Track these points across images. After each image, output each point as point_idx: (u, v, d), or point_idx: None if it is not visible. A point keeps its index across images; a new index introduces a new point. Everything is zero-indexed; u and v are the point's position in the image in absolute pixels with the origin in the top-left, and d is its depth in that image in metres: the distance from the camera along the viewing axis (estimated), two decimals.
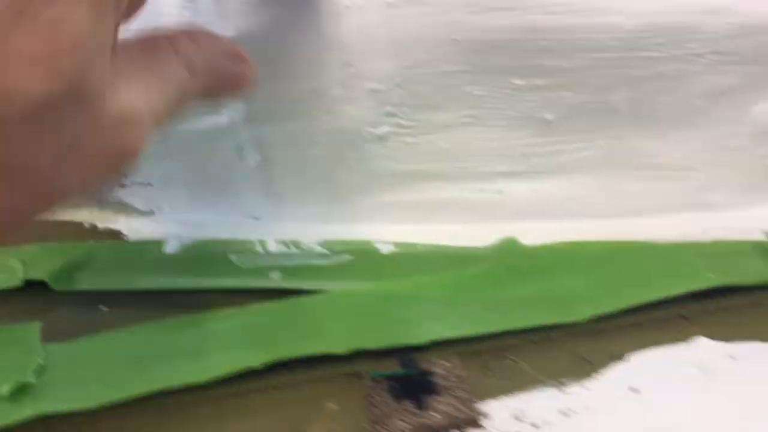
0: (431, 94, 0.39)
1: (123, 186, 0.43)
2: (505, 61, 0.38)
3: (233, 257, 0.39)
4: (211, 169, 0.41)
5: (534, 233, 0.41)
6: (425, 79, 0.38)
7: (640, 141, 0.41)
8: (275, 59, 0.36)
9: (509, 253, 0.38)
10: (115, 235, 0.43)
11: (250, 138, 0.40)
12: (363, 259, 0.39)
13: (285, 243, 0.40)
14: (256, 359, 0.31)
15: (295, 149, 0.40)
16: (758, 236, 0.40)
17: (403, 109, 0.39)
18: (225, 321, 0.34)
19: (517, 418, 0.30)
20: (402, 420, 0.30)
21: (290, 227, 0.42)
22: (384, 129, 0.40)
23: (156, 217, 0.44)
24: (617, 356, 0.33)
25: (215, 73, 0.25)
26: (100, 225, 0.44)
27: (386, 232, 0.41)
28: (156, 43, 0.23)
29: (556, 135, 0.41)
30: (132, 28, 0.24)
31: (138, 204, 0.44)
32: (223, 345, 0.33)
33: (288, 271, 0.38)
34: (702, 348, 0.33)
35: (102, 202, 0.44)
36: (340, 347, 0.32)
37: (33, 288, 0.36)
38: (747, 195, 0.42)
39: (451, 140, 0.41)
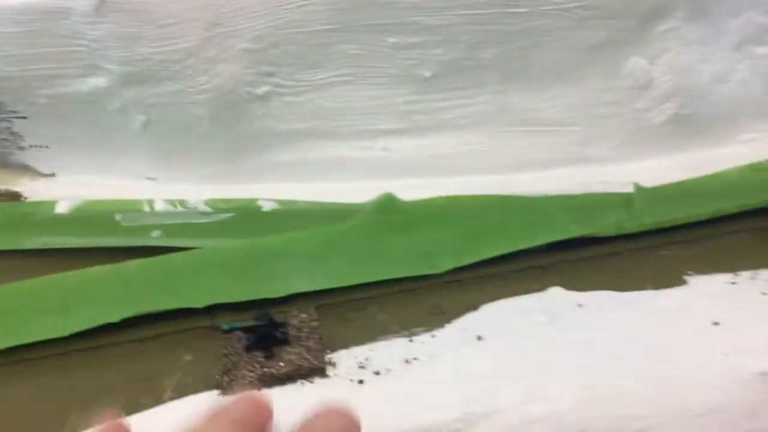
0: (307, 53, 0.39)
1: (22, 148, 0.44)
2: (377, 18, 0.38)
3: (118, 217, 0.40)
4: (100, 131, 0.42)
5: (419, 189, 0.41)
6: (299, 39, 0.39)
7: (518, 97, 0.42)
8: (142, 18, 0.37)
9: (386, 209, 0.39)
10: (15, 196, 0.44)
11: (132, 99, 0.40)
12: (244, 216, 0.40)
13: (172, 202, 0.41)
14: (115, 314, 0.32)
15: (177, 110, 0.40)
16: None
17: (281, 68, 0.40)
18: (92, 279, 0.35)
19: (362, 366, 0.31)
20: (248, 370, 0.31)
21: (182, 188, 0.43)
22: (264, 89, 0.40)
23: (57, 179, 0.45)
24: (472, 306, 0.34)
25: None
26: (2, 187, 0.44)
27: (272, 191, 0.42)
28: None
29: (436, 92, 0.41)
30: None
31: (39, 166, 0.45)
32: (87, 301, 0.34)
33: (169, 230, 0.39)
34: (553, 297, 0.34)
35: (5, 165, 0.45)
36: (199, 301, 0.33)
37: None
38: (625, 149, 0.43)
39: (332, 99, 0.41)
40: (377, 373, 0.31)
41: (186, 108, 0.40)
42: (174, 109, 0.40)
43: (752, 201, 0.38)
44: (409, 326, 0.33)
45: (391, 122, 0.42)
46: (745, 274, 0.35)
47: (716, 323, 0.32)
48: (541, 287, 0.35)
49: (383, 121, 0.42)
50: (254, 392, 0.26)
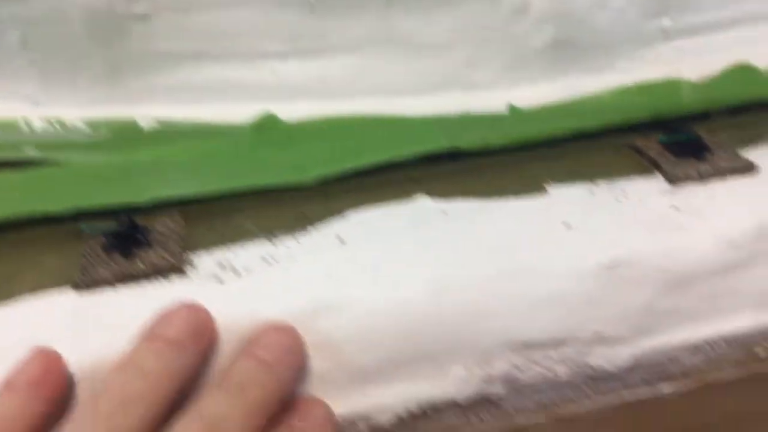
0: None
1: None
2: None
3: None
4: None
5: (305, 112, 0.42)
6: None
7: (402, 21, 0.42)
8: None
9: (265, 127, 0.39)
10: None
11: (7, 16, 0.39)
12: (122, 135, 0.40)
13: (50, 122, 0.41)
14: None
15: (53, 27, 0.40)
16: None
17: None
18: None
19: (221, 266, 0.32)
20: (105, 269, 0.31)
21: (65, 110, 0.42)
22: (143, 6, 0.40)
23: None
24: (339, 213, 0.35)
25: None
26: None
27: (156, 112, 0.42)
28: None
29: (321, 15, 0.42)
30: None
31: None
32: None
33: (44, 146, 0.39)
34: (419, 205, 0.35)
35: None
36: (60, 207, 0.33)
37: None
38: (507, 73, 0.44)
39: (216, 20, 0.41)
40: (236, 273, 0.31)
41: (62, 25, 0.39)
42: (50, 26, 0.39)
43: (616, 119, 0.39)
44: (273, 231, 0.34)
45: (277, 45, 0.42)
46: (604, 184, 0.36)
47: (568, 225, 0.33)
48: (409, 197, 0.36)
49: (270, 44, 0.42)
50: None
